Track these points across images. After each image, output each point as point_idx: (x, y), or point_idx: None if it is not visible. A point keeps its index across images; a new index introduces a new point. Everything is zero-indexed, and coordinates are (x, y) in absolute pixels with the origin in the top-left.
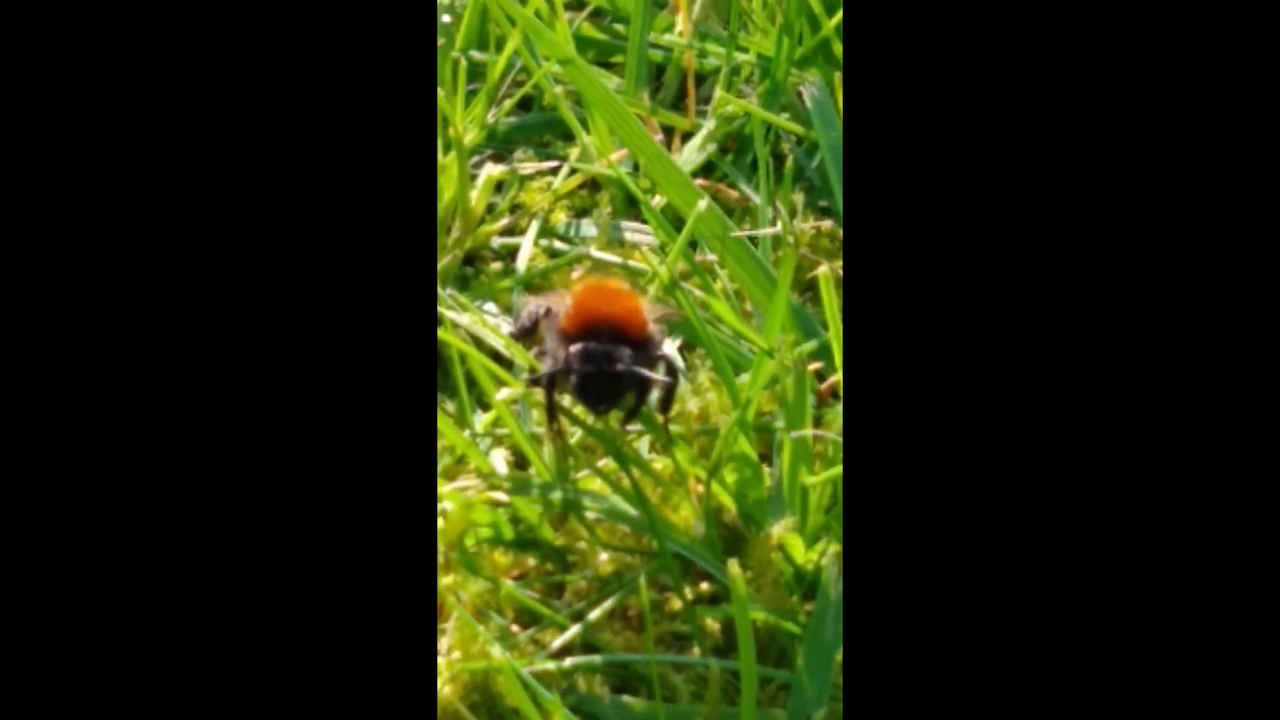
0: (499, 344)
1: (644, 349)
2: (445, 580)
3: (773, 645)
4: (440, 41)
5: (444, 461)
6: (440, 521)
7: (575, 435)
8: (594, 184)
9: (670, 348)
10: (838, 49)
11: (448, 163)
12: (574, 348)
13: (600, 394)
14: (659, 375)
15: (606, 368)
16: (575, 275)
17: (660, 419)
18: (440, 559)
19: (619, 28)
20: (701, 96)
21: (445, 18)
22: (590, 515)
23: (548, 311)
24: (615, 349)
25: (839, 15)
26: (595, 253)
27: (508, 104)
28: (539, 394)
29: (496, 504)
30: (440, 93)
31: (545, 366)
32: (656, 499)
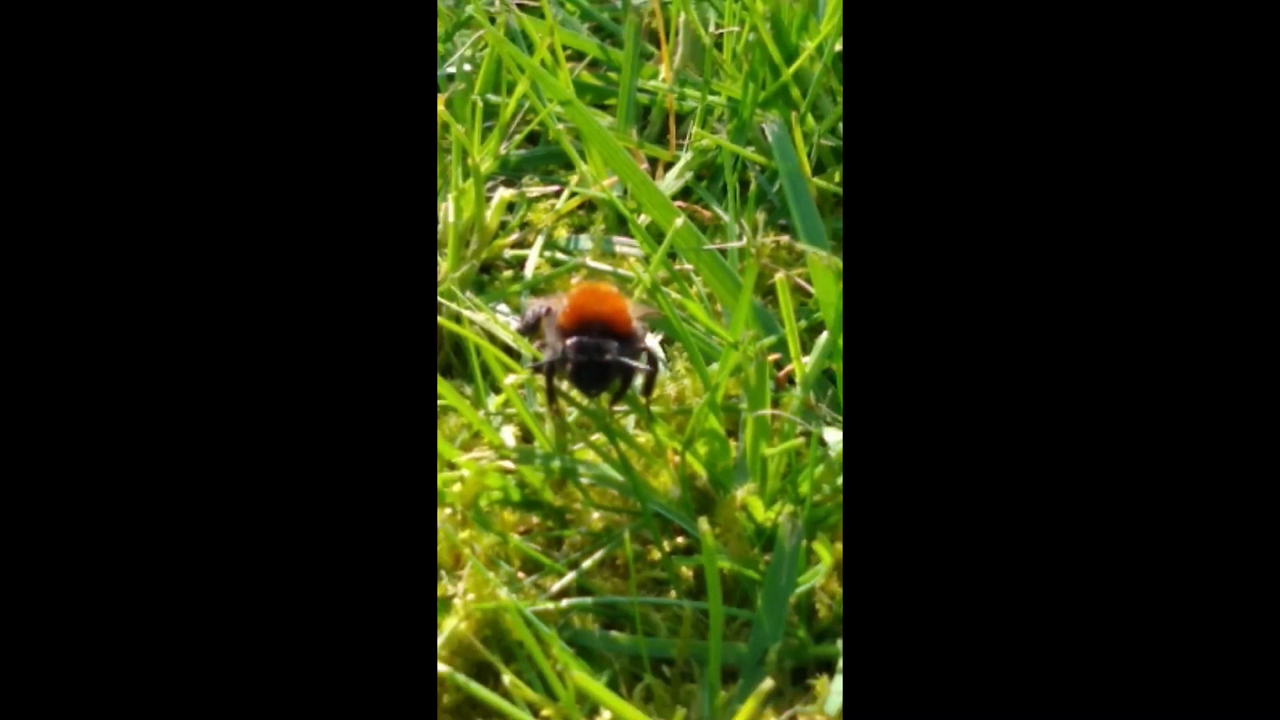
0: (509, 338)
1: (629, 342)
2: (463, 534)
3: (737, 589)
4: (461, 86)
5: (461, 436)
6: (458, 486)
7: (572, 414)
8: (590, 205)
9: (652, 341)
10: (795, 93)
11: (466, 187)
12: (570, 341)
13: (591, 380)
14: (641, 364)
15: (597, 358)
16: (574, 281)
17: (643, 401)
18: (458, 517)
19: (612, 75)
20: (681, 133)
21: (466, 66)
22: (584, 480)
23: (548, 311)
24: (604, 342)
25: (796, 64)
26: (590, 262)
27: (517, 138)
28: (541, 380)
29: (505, 471)
30: (460, 129)
31: (546, 357)
32: (640, 467)
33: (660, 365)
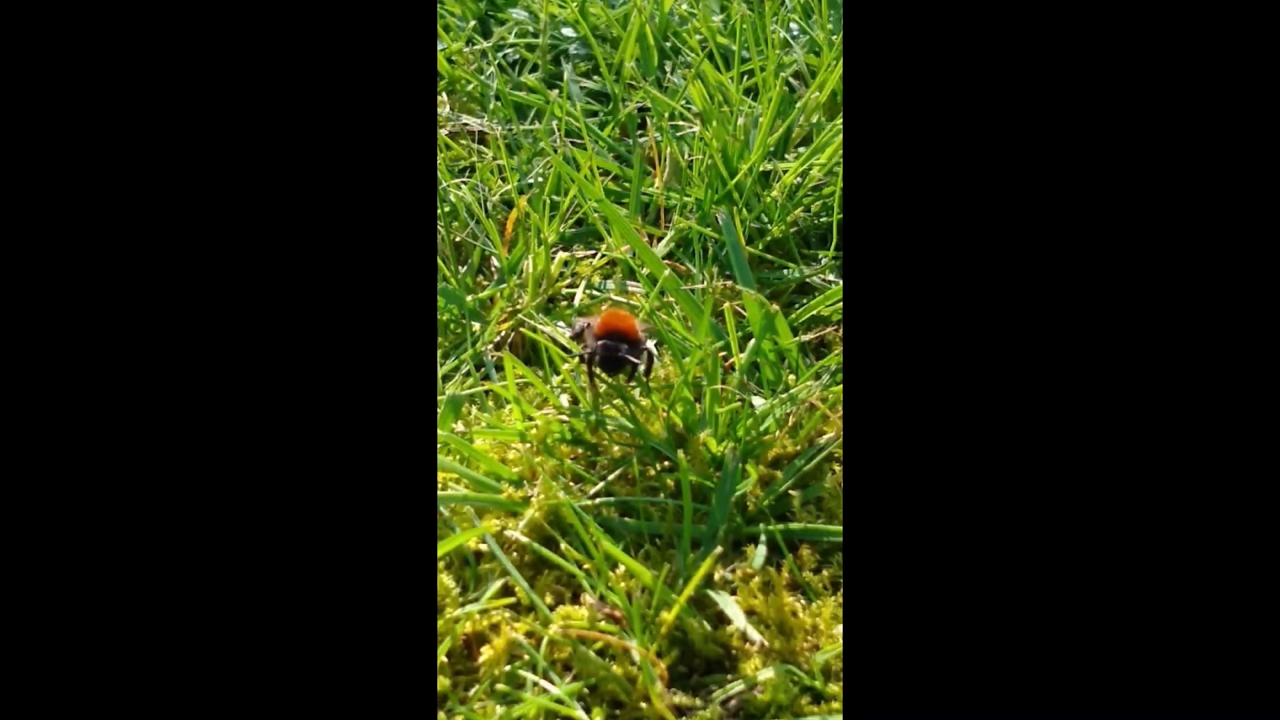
0: (565, 342)
1: (636, 344)
2: (536, 459)
3: (700, 493)
4: (536, 190)
5: (536, 400)
6: (534, 430)
7: (602, 388)
8: (613, 262)
9: (650, 344)
10: (735, 195)
11: (540, 250)
12: (600, 342)
13: (612, 367)
14: (642, 360)
15: (615, 353)
16: (603, 307)
17: (645, 379)
18: (534, 448)
19: (626, 184)
20: (668, 219)
21: (540, 178)
22: (609, 427)
23: (588, 325)
24: (620, 344)
25: (736, 179)
26: (614, 296)
27: (570, 221)
28: (583, 367)
29: (563, 421)
30: (536, 215)
31: (585, 352)
32: (642, 419)
33: (655, 358)
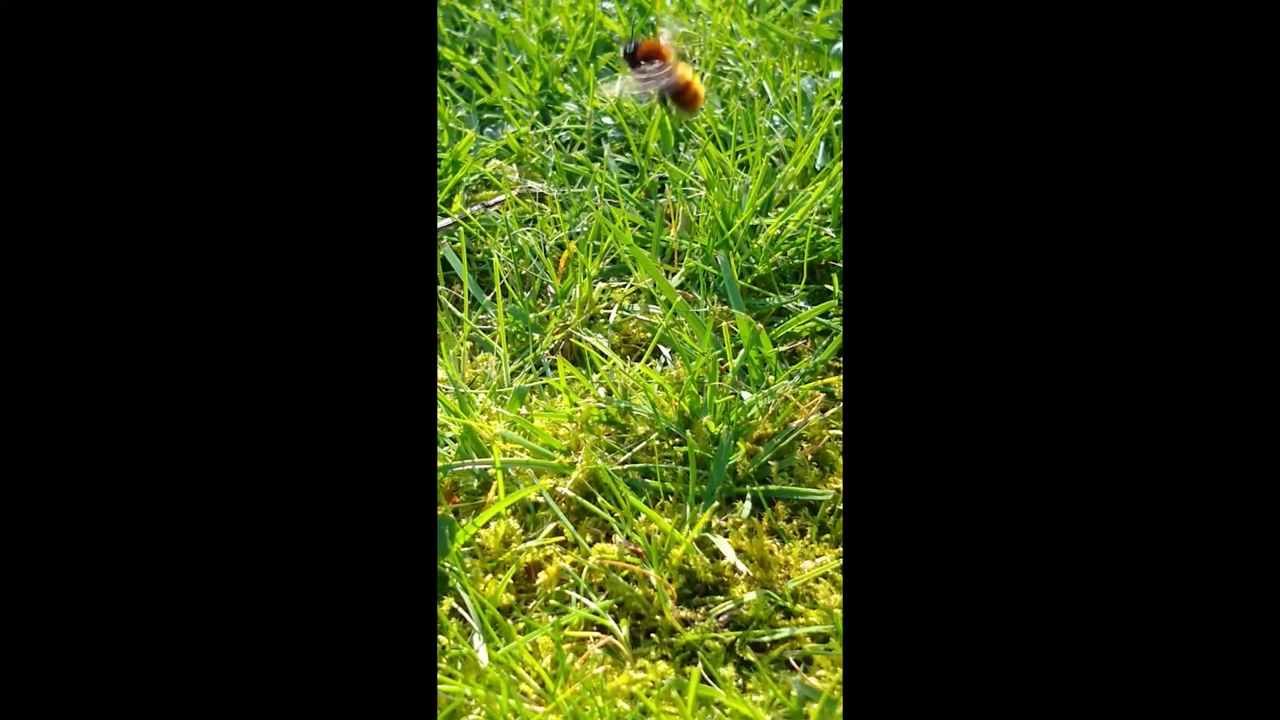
0: (606, 350)
1: (661, 60)
2: (580, 435)
3: (702, 462)
4: (581, 236)
5: (581, 392)
6: (579, 413)
7: (630, 380)
8: (639, 291)
9: (674, 61)
10: (731, 243)
11: (584, 282)
12: (632, 46)
13: (630, 61)
14: (657, 75)
15: (630, 50)
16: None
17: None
18: (579, 426)
19: (649, 233)
20: (680, 259)
21: (584, 228)
22: (635, 412)
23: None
24: (638, 51)
25: (731, 230)
26: (640, 315)
27: (607, 260)
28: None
29: (600, 407)
30: (581, 254)
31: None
32: (660, 404)
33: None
